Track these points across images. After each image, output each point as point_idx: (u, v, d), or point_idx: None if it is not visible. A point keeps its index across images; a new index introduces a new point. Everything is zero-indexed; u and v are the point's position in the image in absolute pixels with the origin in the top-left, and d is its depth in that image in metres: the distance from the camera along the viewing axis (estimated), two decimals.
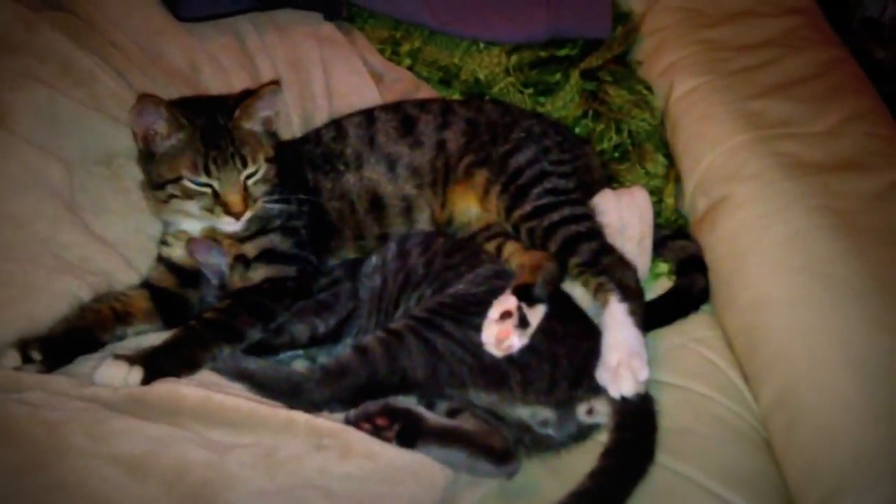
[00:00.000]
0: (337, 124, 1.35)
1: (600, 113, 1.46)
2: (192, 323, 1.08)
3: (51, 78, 1.15)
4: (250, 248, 1.17)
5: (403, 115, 1.33)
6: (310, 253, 1.20)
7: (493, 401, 1.04)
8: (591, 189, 1.30)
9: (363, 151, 1.29)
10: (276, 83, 1.19)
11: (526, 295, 1.08)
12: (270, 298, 1.13)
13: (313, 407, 1.02)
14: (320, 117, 1.42)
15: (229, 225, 1.14)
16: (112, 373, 0.97)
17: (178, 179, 1.12)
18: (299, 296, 1.16)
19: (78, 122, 1.16)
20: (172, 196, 1.14)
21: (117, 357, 0.99)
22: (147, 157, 1.16)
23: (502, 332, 1.04)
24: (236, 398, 0.96)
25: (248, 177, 1.15)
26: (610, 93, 1.47)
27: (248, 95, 1.17)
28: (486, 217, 1.27)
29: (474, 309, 1.09)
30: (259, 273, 1.16)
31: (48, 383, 0.95)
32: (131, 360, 0.99)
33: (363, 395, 1.04)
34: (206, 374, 1.03)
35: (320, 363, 1.07)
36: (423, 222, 1.29)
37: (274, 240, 1.18)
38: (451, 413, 1.05)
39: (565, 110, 1.47)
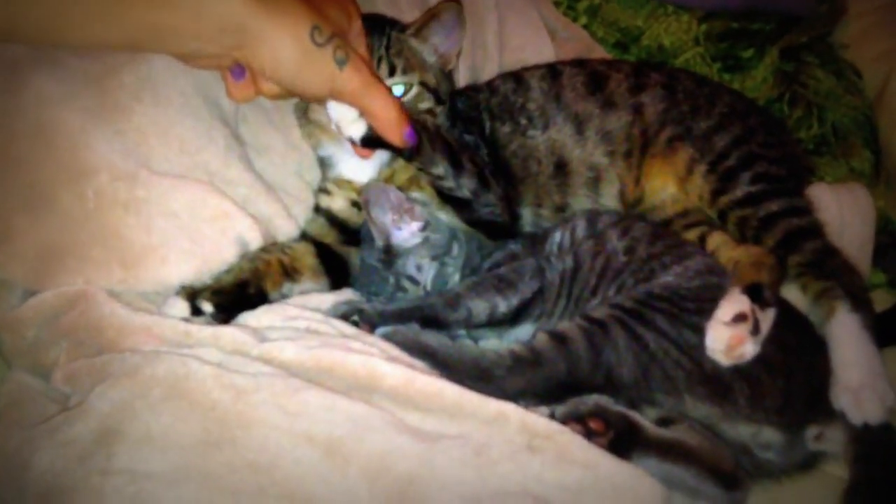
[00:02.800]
0: (515, 76, 1.20)
1: (799, 97, 1.30)
2: (423, 121, 1.00)
3: None
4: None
5: (591, 71, 1.18)
6: (499, 187, 1.07)
7: (712, 414, 0.90)
8: (802, 180, 1.14)
9: (548, 108, 1.14)
10: (457, 2, 1.04)
11: (756, 296, 0.93)
12: (481, 165, 1.03)
13: (503, 396, 0.88)
14: (489, 70, 1.27)
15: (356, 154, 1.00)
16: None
17: None
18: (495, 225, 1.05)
19: None
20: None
21: None
22: None
23: (735, 338, 0.89)
24: (439, 381, 0.82)
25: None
26: (816, 75, 1.30)
27: (426, 13, 1.05)
28: (683, 200, 1.12)
29: (689, 305, 0.94)
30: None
31: (223, 339, 0.81)
32: None
33: (561, 390, 0.90)
34: (387, 347, 0.89)
35: (511, 348, 0.93)
36: (610, 198, 1.14)
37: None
38: (662, 423, 0.90)
39: (756, 91, 1.31)
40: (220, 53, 0.81)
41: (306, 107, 1.05)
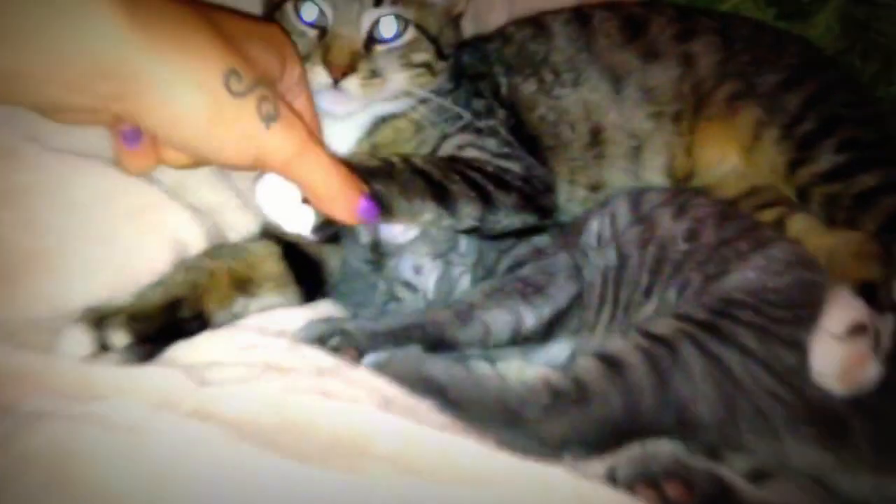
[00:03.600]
0: (534, 22, 0.95)
1: (873, 48, 1.07)
2: (390, 159, 0.76)
3: None
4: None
5: (627, 15, 0.94)
6: (530, 157, 0.84)
7: (822, 463, 0.66)
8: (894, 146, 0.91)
9: (577, 60, 0.90)
10: None
11: (869, 299, 0.70)
12: (490, 182, 0.79)
13: (542, 447, 0.65)
14: (496, 18, 1.02)
15: (324, 90, 0.75)
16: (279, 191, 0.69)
17: (284, 1, 0.77)
18: (530, 204, 0.81)
19: None
20: None
21: None
22: None
23: (853, 357, 0.65)
24: (454, 440, 0.58)
25: (377, 39, 0.77)
26: (893, 23, 1.06)
27: None
28: (750, 175, 0.88)
29: (782, 313, 0.71)
30: (470, 153, 0.81)
31: (143, 386, 0.56)
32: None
33: (617, 436, 0.67)
34: (378, 382, 0.65)
35: (547, 380, 0.69)
36: (654, 172, 0.90)
37: (468, 138, 0.82)
38: (755, 477, 0.67)
39: (819, 42, 1.08)
40: (94, 107, 0.55)
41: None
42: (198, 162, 0.61)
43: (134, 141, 0.59)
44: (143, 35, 0.53)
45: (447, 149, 0.82)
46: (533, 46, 0.92)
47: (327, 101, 0.77)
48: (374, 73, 0.77)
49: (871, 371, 0.65)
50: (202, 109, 0.55)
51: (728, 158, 0.89)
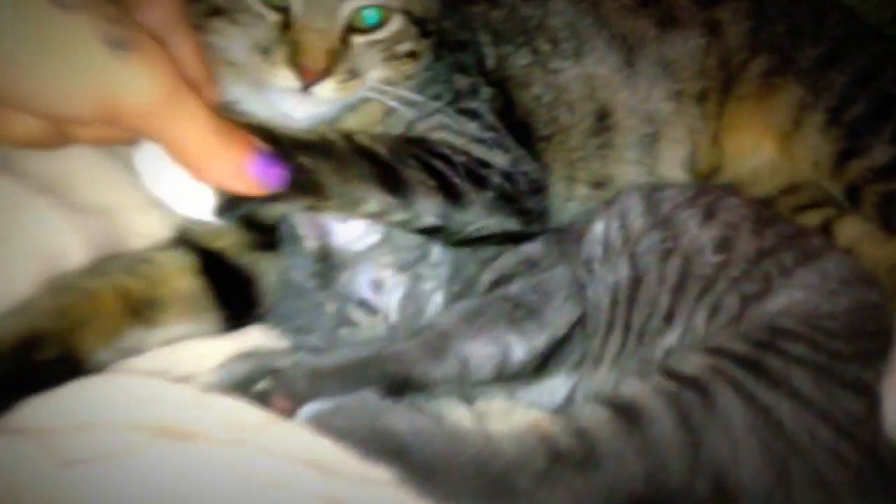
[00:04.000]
0: None
1: None
2: (329, 135, 0.60)
3: None
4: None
5: None
6: (519, 148, 0.67)
7: None
8: None
9: (579, 25, 0.74)
10: None
11: None
12: (460, 173, 0.63)
13: None
14: None
15: (288, 93, 0.58)
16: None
17: None
18: (511, 203, 0.65)
19: None
20: (216, 11, 0.59)
21: None
22: None
23: None
24: None
25: (355, 27, 0.60)
26: None
27: None
28: (788, 169, 0.74)
29: (842, 347, 0.56)
30: (440, 135, 0.65)
31: None
32: None
33: None
34: (321, 446, 0.48)
35: (542, 435, 0.53)
36: (672, 165, 0.76)
37: (446, 121, 0.66)
38: None
39: (860, 9, 0.92)
40: None
41: (203, 20, 0.61)
42: (50, 131, 0.44)
43: None
44: None
45: (417, 132, 0.65)
46: (526, 10, 0.76)
47: (288, 106, 0.60)
48: (352, 73, 0.60)
49: None
50: (18, 26, 0.38)
51: (762, 148, 0.75)
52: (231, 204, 0.52)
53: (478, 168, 0.64)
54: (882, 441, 0.52)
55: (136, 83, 0.43)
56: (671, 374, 0.55)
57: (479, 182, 0.64)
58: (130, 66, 0.42)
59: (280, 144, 0.53)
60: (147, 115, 0.44)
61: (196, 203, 0.51)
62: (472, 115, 0.68)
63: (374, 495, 0.47)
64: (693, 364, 0.56)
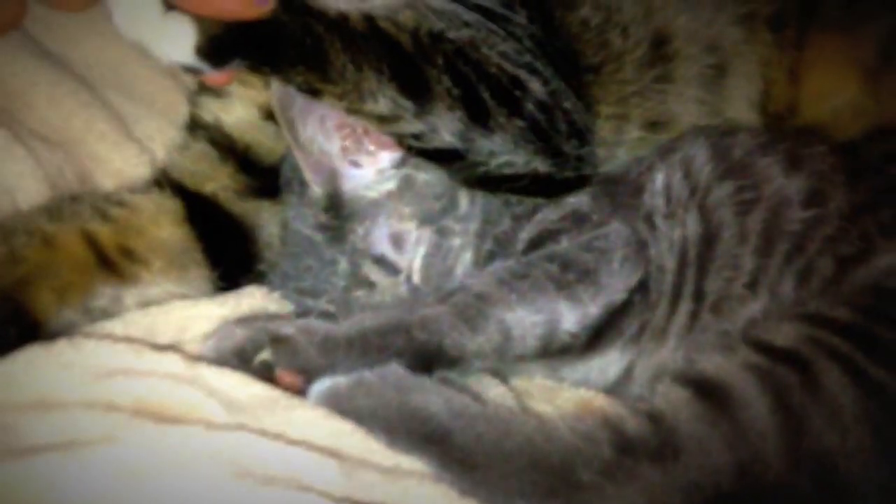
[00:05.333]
0: None
1: None
2: (348, 13, 0.50)
3: None
4: None
5: None
6: (556, 78, 0.57)
7: None
8: None
9: None
10: None
11: None
12: (493, 89, 0.53)
13: None
14: None
15: None
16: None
17: None
18: (541, 139, 0.55)
19: None
20: None
21: None
22: None
23: None
24: None
25: None
26: None
27: None
28: (873, 110, 0.64)
29: None
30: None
31: None
32: None
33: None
34: (331, 425, 0.39)
35: (605, 416, 0.44)
36: (741, 105, 0.66)
37: (476, 35, 0.56)
38: None
39: None
40: None
41: None
42: None
43: None
44: None
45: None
46: None
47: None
48: None
49: None
50: None
51: (846, 86, 0.65)
52: (216, 44, 0.44)
53: (512, 88, 0.55)
54: None
55: None
56: (762, 347, 0.47)
57: (512, 105, 0.54)
58: None
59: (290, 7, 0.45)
60: None
61: (177, 44, 0.44)
62: (506, 36, 0.58)
63: (406, 492, 0.38)
64: (788, 335, 0.48)
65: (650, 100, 0.65)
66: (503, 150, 0.55)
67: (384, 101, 0.50)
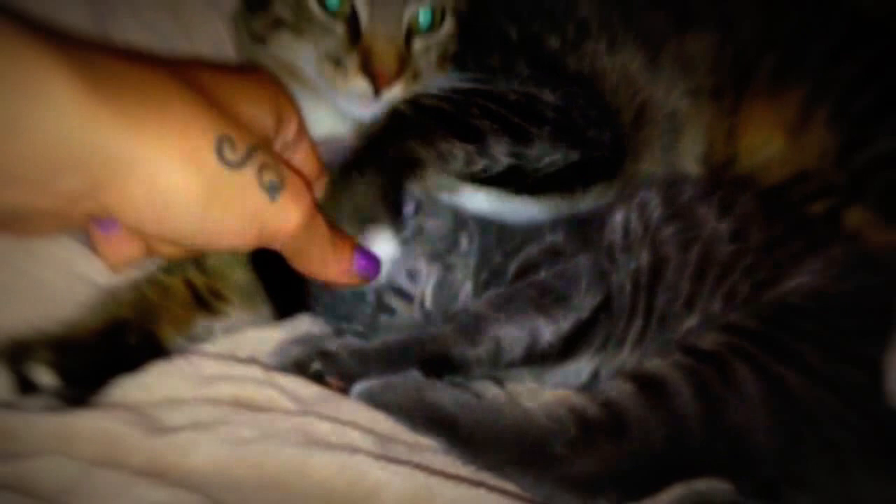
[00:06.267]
0: None
1: None
2: (399, 107, 0.64)
3: None
4: None
5: None
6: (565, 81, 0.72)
7: None
8: None
9: (609, 18, 0.78)
10: None
11: None
12: (521, 113, 0.66)
13: (573, 493, 0.54)
14: None
15: (358, 98, 0.63)
16: None
17: None
18: (566, 134, 0.68)
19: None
20: (278, 23, 0.64)
21: None
22: None
23: None
24: (468, 491, 0.47)
25: (415, 29, 0.65)
26: None
27: None
28: (798, 160, 0.77)
29: (848, 323, 0.61)
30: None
31: (77, 439, 0.45)
32: None
33: (660, 474, 0.56)
34: (370, 415, 0.53)
35: (572, 405, 0.58)
36: (691, 160, 0.79)
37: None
38: None
39: (864, 2, 0.96)
40: (60, 209, 0.42)
41: (266, 31, 0.67)
42: (192, 251, 0.51)
43: (111, 226, 0.47)
44: (111, 110, 0.40)
45: None
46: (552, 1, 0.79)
47: (357, 110, 0.65)
48: (416, 74, 0.65)
49: None
50: (194, 190, 0.44)
51: (773, 141, 0.78)
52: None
53: (531, 105, 0.68)
54: (883, 409, 0.57)
55: (285, 216, 0.49)
56: (690, 351, 0.60)
57: (536, 118, 0.67)
58: (283, 204, 0.48)
59: (371, 140, 0.60)
60: (289, 238, 0.50)
61: None
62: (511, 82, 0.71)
63: (424, 459, 0.52)
64: (710, 341, 0.61)
65: (631, 159, 0.78)
66: (545, 153, 0.67)
67: (459, 155, 0.63)
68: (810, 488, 0.57)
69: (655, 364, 0.60)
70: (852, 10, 0.87)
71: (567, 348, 0.67)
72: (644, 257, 0.69)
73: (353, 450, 0.46)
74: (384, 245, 0.61)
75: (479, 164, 0.64)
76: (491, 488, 0.51)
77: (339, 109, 0.64)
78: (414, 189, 0.63)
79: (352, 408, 0.54)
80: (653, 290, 0.68)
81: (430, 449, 0.54)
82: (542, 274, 0.69)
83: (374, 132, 0.62)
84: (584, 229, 0.74)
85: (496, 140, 0.64)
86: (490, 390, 0.67)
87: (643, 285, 0.68)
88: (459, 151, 0.62)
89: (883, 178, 0.71)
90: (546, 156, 0.67)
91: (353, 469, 0.46)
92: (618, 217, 0.73)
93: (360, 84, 0.61)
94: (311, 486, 0.44)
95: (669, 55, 0.77)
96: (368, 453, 0.47)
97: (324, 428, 0.49)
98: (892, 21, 0.96)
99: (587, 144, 0.70)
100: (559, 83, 0.70)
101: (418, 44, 0.64)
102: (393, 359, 0.61)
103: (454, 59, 0.69)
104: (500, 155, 0.64)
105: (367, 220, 0.59)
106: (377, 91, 0.61)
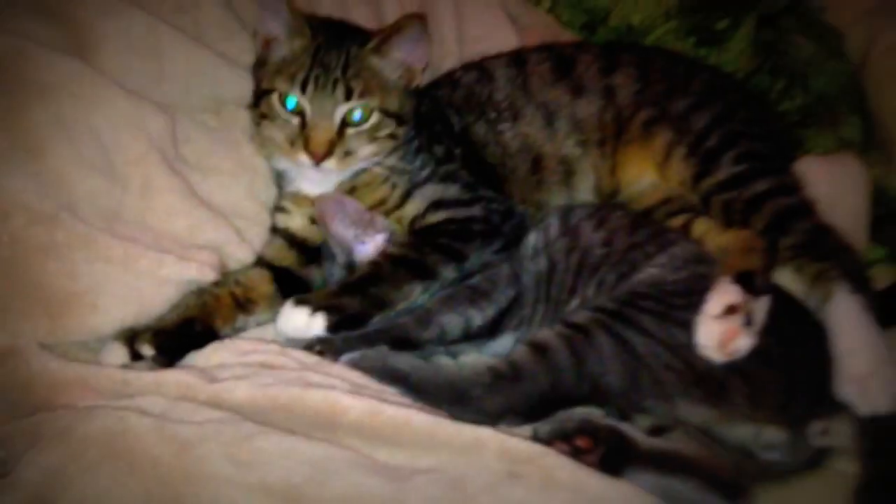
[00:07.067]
0: (478, 66, 1.12)
1: (780, 68, 1.23)
2: (377, 260, 0.93)
3: (147, 1, 0.94)
4: (413, 208, 0.97)
5: (558, 56, 1.11)
6: (487, 190, 0.99)
7: (709, 417, 0.83)
8: (787, 156, 1.07)
9: (516, 99, 1.07)
10: (421, 17, 0.95)
11: (746, 284, 0.86)
12: (458, 239, 0.95)
13: (485, 418, 0.81)
14: (449, 64, 1.20)
15: (313, 173, 0.94)
16: (295, 319, 0.84)
17: (270, 92, 0.93)
18: (494, 238, 0.97)
19: (181, 58, 0.95)
20: (263, 116, 0.95)
21: (298, 301, 0.85)
22: (259, 65, 0.98)
23: (727, 332, 0.82)
24: (407, 410, 0.75)
25: (348, 123, 0.93)
26: (794, 42, 1.22)
27: (388, 28, 0.96)
28: (664, 187, 1.05)
29: (678, 300, 0.87)
30: (437, 216, 0.96)
31: (166, 385, 0.74)
32: (313, 305, 0.85)
33: (544, 405, 0.83)
34: (352, 375, 0.82)
35: (488, 364, 0.86)
36: (585, 192, 1.07)
37: (437, 190, 0.98)
38: (655, 431, 0.83)
39: (734, 64, 1.24)
40: None
41: (258, 120, 0.98)
42: None
43: None
44: None
45: (418, 201, 0.98)
46: (478, 88, 1.09)
47: (309, 178, 0.96)
48: (347, 153, 0.94)
49: (743, 342, 0.81)
50: None
51: (645, 175, 1.05)
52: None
53: (464, 227, 0.96)
54: (696, 356, 0.83)
55: None
56: (567, 324, 0.86)
57: (470, 237, 0.95)
58: None
59: (355, 284, 0.88)
60: None
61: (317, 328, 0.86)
62: (451, 177, 1.00)
63: (390, 396, 0.80)
64: (582, 317, 0.87)
65: (534, 193, 1.06)
66: (478, 258, 0.95)
67: (417, 289, 0.91)
68: (649, 412, 0.83)
69: (543, 333, 0.86)
70: (716, 71, 1.15)
71: (493, 329, 0.95)
72: (543, 263, 0.97)
73: (334, 389, 0.75)
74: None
75: (433, 289, 0.93)
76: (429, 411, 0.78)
77: (301, 173, 0.95)
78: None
79: (338, 369, 0.82)
80: (549, 285, 0.96)
81: (392, 393, 0.82)
82: (476, 278, 0.98)
83: (361, 275, 0.91)
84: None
85: (445, 268, 0.93)
86: (442, 359, 0.96)
87: (543, 282, 0.96)
88: (418, 289, 0.91)
89: (720, 198, 0.98)
90: (479, 259, 0.96)
91: (332, 399, 0.73)
92: (531, 237, 1.01)
93: (304, 158, 0.91)
94: (305, 409, 0.73)
95: (564, 118, 1.05)
96: (344, 391, 0.75)
97: (317, 378, 0.77)
98: (754, 74, 1.24)
99: (505, 235, 0.99)
100: (478, 184, 0.99)
101: (350, 132, 0.93)
102: (369, 340, 0.89)
103: (408, 143, 0.98)
104: (448, 276, 0.93)
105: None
106: (316, 164, 0.91)
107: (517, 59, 1.12)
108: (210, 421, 0.70)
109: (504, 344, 0.96)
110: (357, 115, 0.93)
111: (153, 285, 0.83)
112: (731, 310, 0.83)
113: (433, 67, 1.20)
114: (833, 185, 1.02)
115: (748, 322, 0.83)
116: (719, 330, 0.82)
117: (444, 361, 0.94)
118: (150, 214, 0.86)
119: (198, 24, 0.97)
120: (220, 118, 0.98)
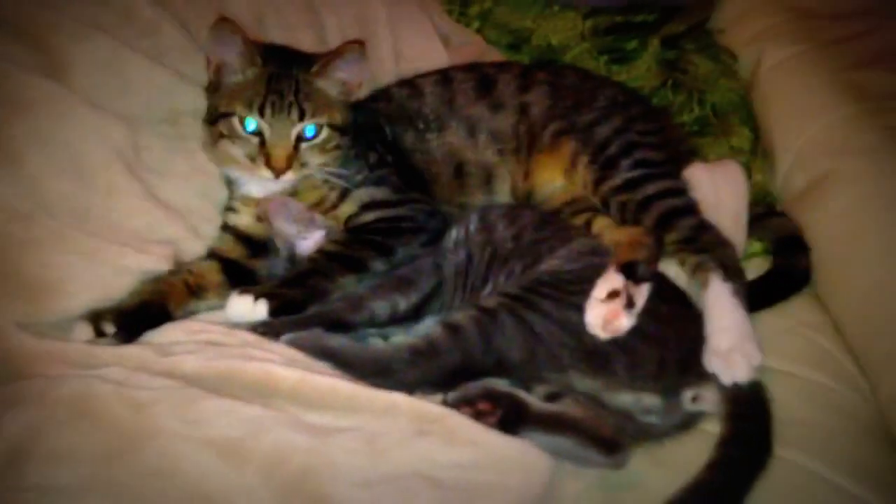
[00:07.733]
0: (410, 83, 1.27)
1: (680, 83, 1.38)
2: (314, 256, 1.05)
3: (114, 27, 1.06)
4: (348, 208, 1.10)
5: (481, 75, 1.25)
6: (415, 193, 1.13)
7: (595, 386, 0.97)
8: (680, 162, 1.22)
9: (442, 113, 1.21)
10: (360, 43, 1.10)
11: (630, 273, 1.00)
12: (387, 235, 1.08)
13: (404, 388, 0.94)
14: (387, 80, 1.33)
15: (267, 181, 1.07)
16: (241, 306, 0.97)
17: (229, 115, 1.06)
18: (420, 234, 1.11)
19: (143, 77, 1.07)
20: (222, 136, 1.07)
21: (243, 291, 0.98)
22: (213, 88, 1.10)
23: (610, 313, 0.96)
24: (333, 379, 0.88)
25: (302, 138, 1.07)
26: (693, 61, 1.38)
27: (330, 53, 1.09)
28: (571, 190, 1.20)
29: (572, 287, 1.01)
30: (369, 216, 1.10)
31: (126, 357, 0.87)
32: (256, 293, 0.97)
33: (456, 376, 0.96)
34: (289, 352, 0.95)
35: (408, 342, 0.99)
36: (503, 194, 1.21)
37: (370, 192, 1.12)
38: (551, 398, 0.97)
39: (642, 80, 1.40)
40: None
41: (216, 139, 1.10)
42: None
43: None
44: None
45: (353, 202, 1.12)
46: (409, 103, 1.23)
47: (266, 185, 1.09)
48: (303, 166, 1.08)
49: (624, 322, 0.96)
50: None
51: (555, 180, 1.20)
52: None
53: (394, 225, 1.10)
54: (587, 334, 0.97)
55: None
56: (478, 308, 0.99)
57: (398, 234, 1.09)
58: None
59: (296, 277, 1.01)
60: None
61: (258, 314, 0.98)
62: (383, 181, 1.13)
63: (325, 369, 0.93)
64: (491, 301, 1.00)
65: (457, 195, 1.20)
66: (406, 252, 1.08)
67: (351, 280, 1.04)
68: (545, 382, 0.97)
69: (456, 315, 0.99)
70: (622, 87, 1.30)
71: (417, 313, 1.08)
72: (462, 256, 1.11)
73: (271, 361, 0.88)
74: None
75: (366, 281, 1.05)
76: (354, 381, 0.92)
77: (257, 185, 1.08)
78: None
79: (277, 347, 0.95)
80: (466, 275, 1.10)
81: (324, 368, 0.95)
82: (402, 269, 1.11)
83: (300, 270, 1.04)
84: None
85: (375, 261, 1.07)
86: (374, 340, 1.10)
87: (462, 273, 1.10)
88: (351, 280, 1.04)
89: (617, 200, 1.13)
90: (407, 253, 1.09)
91: (268, 369, 0.86)
92: (453, 232, 1.15)
93: (265, 173, 1.05)
94: (245, 378, 0.85)
95: (484, 130, 1.20)
96: (280, 364, 0.88)
97: (257, 353, 0.90)
98: (659, 89, 1.39)
99: (431, 232, 1.13)
100: (406, 187, 1.13)
101: (304, 146, 1.07)
102: (307, 323, 1.01)
103: (348, 152, 1.12)
104: (378, 269, 1.07)
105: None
106: (276, 178, 1.05)
107: (445, 77, 1.26)
108: (163, 388, 0.83)
109: (428, 326, 1.09)
110: (310, 132, 1.07)
111: (116, 274, 0.95)
112: (613, 294, 0.97)
113: (373, 83, 1.34)
114: (716, 189, 1.17)
115: (630, 305, 0.98)
116: (603, 311, 0.96)
117: (374, 342, 1.07)
118: (114, 213, 0.99)
119: (158, 47, 1.10)
120: (177, 128, 1.11)
